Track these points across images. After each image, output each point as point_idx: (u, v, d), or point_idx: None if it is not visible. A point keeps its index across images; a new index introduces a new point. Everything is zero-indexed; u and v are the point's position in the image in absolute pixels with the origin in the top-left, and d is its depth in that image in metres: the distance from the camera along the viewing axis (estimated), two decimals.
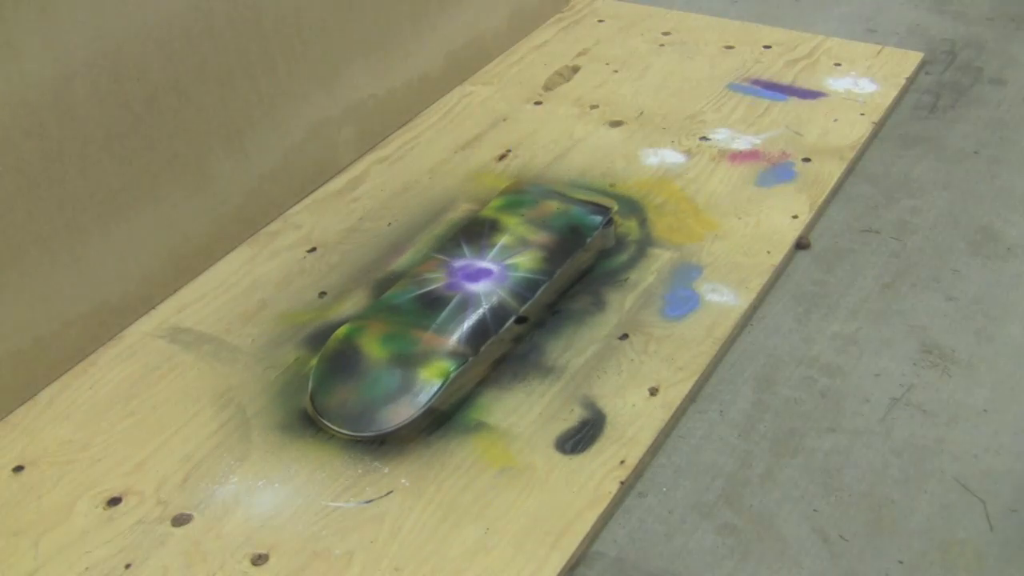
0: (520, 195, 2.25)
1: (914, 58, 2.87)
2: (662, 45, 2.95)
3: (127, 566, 1.60)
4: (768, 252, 2.18)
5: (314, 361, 1.90)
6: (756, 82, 2.77)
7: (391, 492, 1.71)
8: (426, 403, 1.79)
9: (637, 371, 1.91)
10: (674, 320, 2.02)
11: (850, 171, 2.47)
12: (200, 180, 2.14)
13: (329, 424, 1.80)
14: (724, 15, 3.12)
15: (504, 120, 2.66)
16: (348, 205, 2.38)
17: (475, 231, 2.13)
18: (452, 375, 1.82)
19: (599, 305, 2.07)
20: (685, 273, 2.14)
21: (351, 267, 2.19)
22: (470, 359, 1.86)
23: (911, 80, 2.80)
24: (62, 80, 1.82)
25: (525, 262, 2.04)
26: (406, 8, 2.57)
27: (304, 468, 1.75)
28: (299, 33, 2.28)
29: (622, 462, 1.74)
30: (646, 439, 1.78)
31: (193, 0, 2.02)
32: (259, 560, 1.60)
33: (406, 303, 1.96)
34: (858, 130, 2.56)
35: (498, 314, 1.93)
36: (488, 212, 2.20)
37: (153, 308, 2.09)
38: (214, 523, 1.66)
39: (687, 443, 1.82)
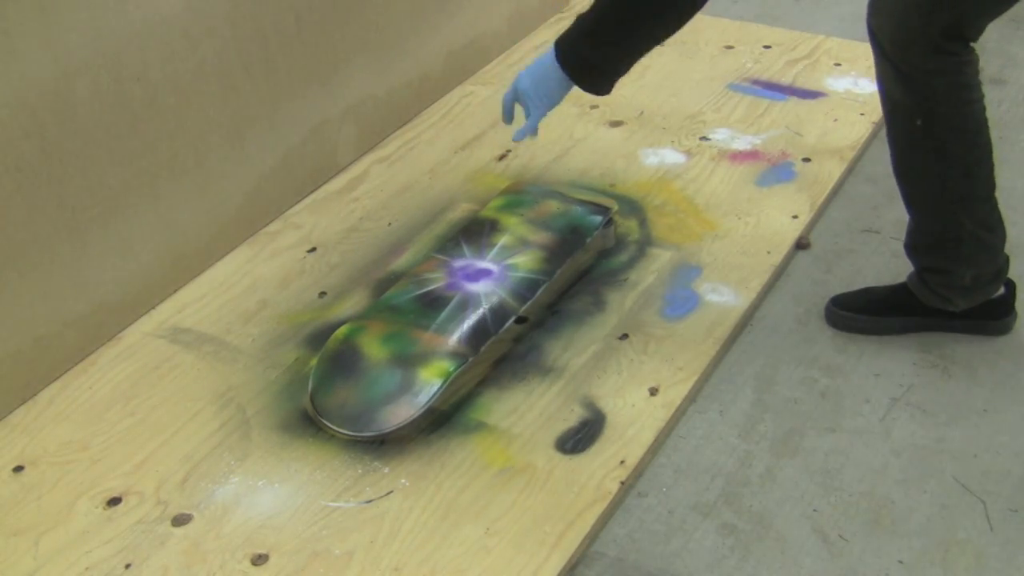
0: (520, 195, 2.25)
1: None
2: (662, 45, 2.95)
3: (127, 566, 1.60)
4: (768, 252, 2.18)
5: (314, 361, 1.90)
6: (756, 82, 2.77)
7: (391, 492, 1.71)
8: (426, 403, 1.79)
9: (637, 371, 1.91)
10: (674, 320, 2.02)
11: (850, 171, 2.47)
12: (200, 180, 2.14)
13: (329, 424, 1.80)
14: (724, 15, 3.12)
15: None
16: (348, 205, 2.38)
17: (475, 231, 2.13)
18: (452, 375, 1.82)
19: (599, 305, 2.07)
20: (685, 273, 2.14)
21: (351, 267, 2.19)
22: (470, 359, 1.86)
23: None
24: (62, 80, 1.82)
25: (525, 262, 2.04)
26: (406, 8, 2.57)
27: (304, 468, 1.75)
28: (299, 33, 2.28)
29: (622, 462, 1.74)
30: (646, 439, 1.78)
31: (193, 0, 2.02)
32: (259, 560, 1.60)
33: (406, 303, 1.96)
34: (858, 130, 2.56)
35: (498, 314, 1.93)
36: (488, 212, 2.20)
37: (153, 308, 2.09)
38: (214, 523, 1.66)
39: (687, 443, 1.82)
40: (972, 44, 1.77)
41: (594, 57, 1.83)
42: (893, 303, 2.01)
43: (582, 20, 1.82)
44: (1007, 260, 1.95)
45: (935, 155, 1.83)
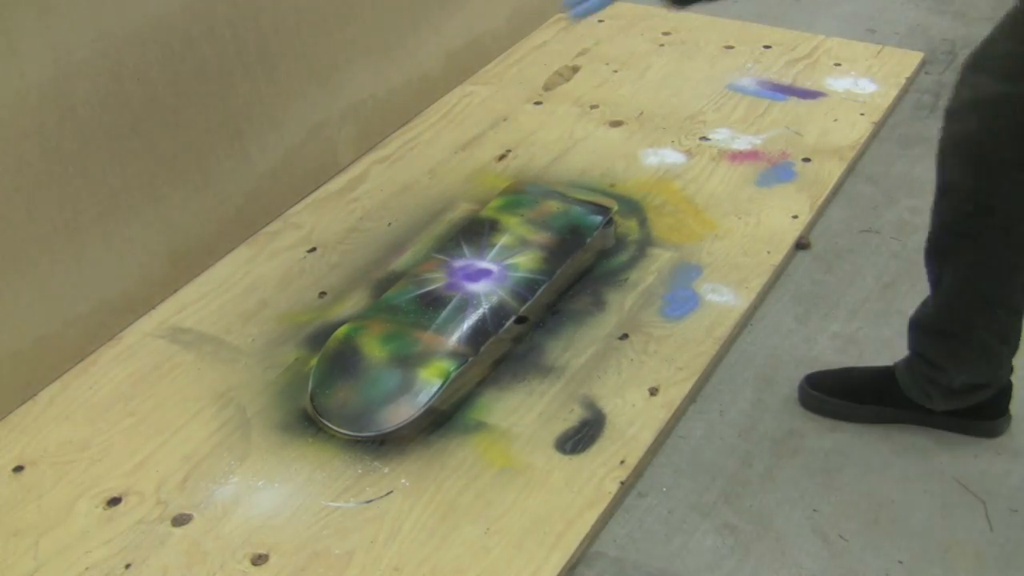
0: (520, 195, 2.25)
1: (914, 58, 2.87)
2: (662, 45, 2.95)
3: (127, 566, 1.60)
4: (768, 252, 2.18)
5: (314, 361, 1.90)
6: (756, 82, 2.77)
7: (391, 492, 1.71)
8: (426, 403, 1.79)
9: (637, 371, 1.91)
10: (674, 320, 2.02)
11: (850, 171, 2.47)
12: (200, 180, 2.14)
13: (329, 424, 1.80)
14: (724, 15, 3.12)
15: (504, 120, 2.66)
16: (348, 205, 2.38)
17: (475, 231, 2.14)
18: (452, 375, 1.82)
19: (599, 305, 2.07)
20: (685, 273, 2.14)
21: (351, 267, 2.19)
22: (470, 359, 1.86)
23: (911, 80, 2.80)
24: (62, 80, 1.82)
25: (525, 262, 2.04)
26: (406, 8, 2.57)
27: (304, 468, 1.75)
28: (299, 33, 2.28)
29: (622, 462, 1.74)
30: (646, 439, 1.78)
31: (193, 1, 2.02)
32: (259, 560, 1.60)
33: (406, 303, 1.96)
34: (858, 130, 2.56)
35: (498, 314, 1.93)
36: (488, 212, 2.20)
37: (153, 308, 2.09)
38: (214, 523, 1.66)
39: (687, 443, 1.82)
40: None
41: None
42: (871, 389, 1.83)
43: None
44: (1010, 374, 1.77)
45: (973, 245, 1.62)
